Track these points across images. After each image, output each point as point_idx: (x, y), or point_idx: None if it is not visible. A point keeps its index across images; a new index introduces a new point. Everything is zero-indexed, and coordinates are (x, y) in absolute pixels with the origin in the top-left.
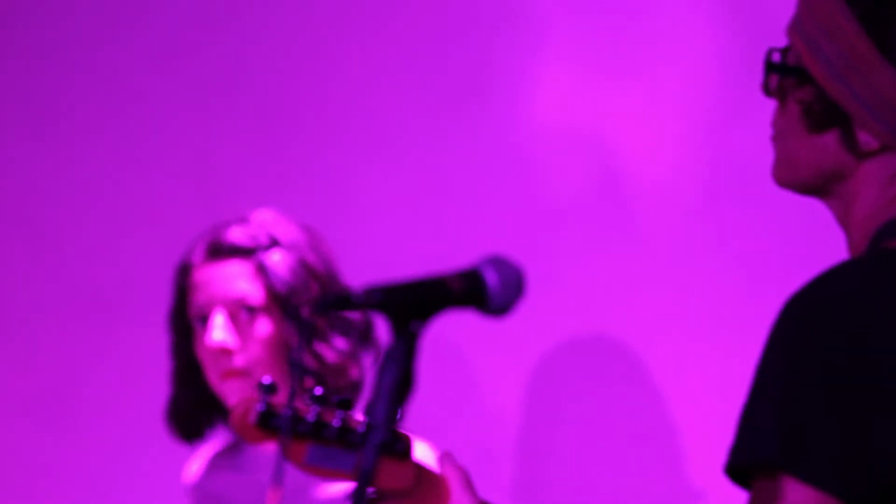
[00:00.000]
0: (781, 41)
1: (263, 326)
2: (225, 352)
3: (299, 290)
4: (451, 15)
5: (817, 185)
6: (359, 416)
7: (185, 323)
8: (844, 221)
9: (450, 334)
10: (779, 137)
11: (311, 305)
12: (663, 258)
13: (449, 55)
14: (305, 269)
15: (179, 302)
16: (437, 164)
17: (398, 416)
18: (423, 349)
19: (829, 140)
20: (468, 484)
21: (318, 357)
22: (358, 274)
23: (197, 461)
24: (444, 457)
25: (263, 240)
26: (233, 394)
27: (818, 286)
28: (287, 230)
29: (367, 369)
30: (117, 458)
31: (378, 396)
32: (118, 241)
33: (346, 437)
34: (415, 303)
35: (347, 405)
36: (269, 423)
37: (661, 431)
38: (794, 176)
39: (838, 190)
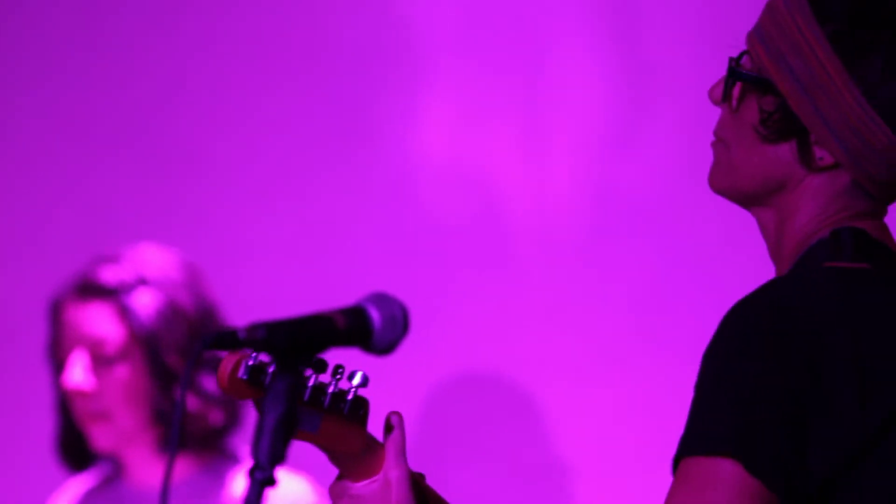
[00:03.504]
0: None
1: (122, 370)
2: (81, 394)
3: (163, 332)
4: (336, 51)
5: (756, 194)
6: (327, 378)
7: (59, 358)
8: (777, 232)
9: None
10: (722, 144)
11: (196, 341)
12: (547, 294)
13: (333, 91)
14: (173, 311)
15: (53, 337)
16: (320, 201)
17: (282, 454)
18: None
19: (783, 151)
20: (401, 453)
21: (175, 403)
22: (242, 311)
23: (65, 495)
24: (393, 418)
25: (130, 279)
26: (95, 435)
27: (772, 292)
28: (161, 268)
29: (238, 415)
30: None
31: (261, 434)
32: (1, 279)
33: (318, 398)
34: (299, 340)
35: (321, 367)
36: (257, 379)
37: (548, 467)
38: (734, 183)
39: (777, 201)
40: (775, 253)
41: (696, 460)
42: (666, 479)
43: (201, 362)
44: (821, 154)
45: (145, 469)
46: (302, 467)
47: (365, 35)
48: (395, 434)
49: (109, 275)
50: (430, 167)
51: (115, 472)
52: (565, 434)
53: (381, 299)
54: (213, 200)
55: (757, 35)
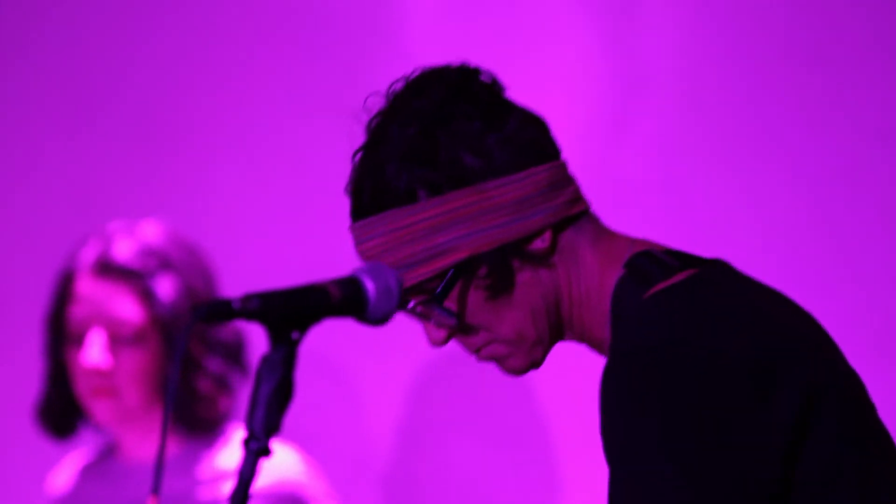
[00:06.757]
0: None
1: (140, 351)
2: (98, 372)
3: (182, 316)
4: (325, 29)
5: (563, 321)
6: None
7: (61, 327)
8: (589, 324)
9: (324, 343)
10: (496, 344)
11: (190, 312)
12: None
13: (323, 67)
14: (190, 295)
15: (59, 307)
16: (312, 175)
17: (277, 424)
18: (299, 358)
19: (523, 281)
20: None
21: (190, 387)
22: (235, 284)
23: (64, 471)
24: None
25: (152, 263)
26: (100, 411)
27: (654, 337)
28: (175, 250)
29: (237, 401)
30: None
31: (256, 404)
32: None
33: None
34: (294, 311)
35: None
36: None
37: (534, 434)
38: (536, 355)
39: (568, 307)
40: (598, 339)
41: None
42: None
43: (214, 344)
44: (534, 245)
45: (141, 445)
46: (292, 439)
47: (355, 14)
48: None
49: (130, 255)
50: None
51: (111, 447)
52: (558, 414)
53: (376, 270)
54: (204, 176)
55: (398, 264)
